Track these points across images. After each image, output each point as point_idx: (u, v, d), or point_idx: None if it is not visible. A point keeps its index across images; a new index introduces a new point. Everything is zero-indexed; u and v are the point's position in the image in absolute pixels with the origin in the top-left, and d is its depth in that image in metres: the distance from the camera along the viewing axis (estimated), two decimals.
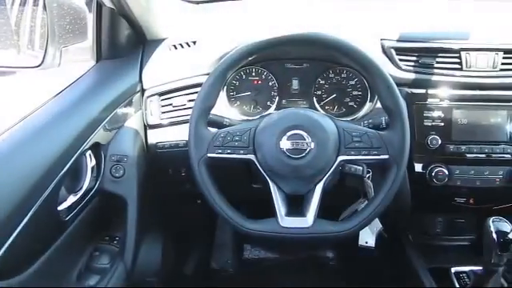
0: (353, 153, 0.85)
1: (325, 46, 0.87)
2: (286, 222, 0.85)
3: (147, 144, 1.08)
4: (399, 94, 0.85)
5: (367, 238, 1.11)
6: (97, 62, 1.07)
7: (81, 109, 0.91)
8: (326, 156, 0.85)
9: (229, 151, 0.86)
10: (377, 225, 1.08)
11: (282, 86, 1.13)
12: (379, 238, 1.13)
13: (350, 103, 1.13)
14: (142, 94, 1.08)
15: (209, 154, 0.86)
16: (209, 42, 1.12)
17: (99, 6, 1.02)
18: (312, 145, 0.84)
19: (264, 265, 1.63)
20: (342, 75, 1.13)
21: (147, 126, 1.08)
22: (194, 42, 1.14)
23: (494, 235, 0.92)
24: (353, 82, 1.12)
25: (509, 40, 1.03)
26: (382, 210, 0.85)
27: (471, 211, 1.09)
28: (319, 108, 1.13)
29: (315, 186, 0.86)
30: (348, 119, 1.10)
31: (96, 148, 0.95)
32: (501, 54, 1.02)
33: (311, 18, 1.15)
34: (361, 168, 0.94)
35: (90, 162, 0.94)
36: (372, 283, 1.33)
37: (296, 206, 0.89)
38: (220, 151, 0.86)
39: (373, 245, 1.11)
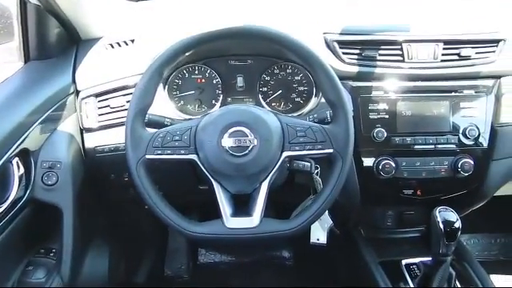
0: (297, 148, 0.83)
1: (265, 38, 0.84)
2: (232, 223, 0.82)
3: (84, 148, 1.02)
4: (342, 88, 0.84)
5: (318, 234, 1.09)
6: (25, 62, 1.00)
7: (5, 113, 0.84)
8: (269, 153, 0.82)
9: (169, 152, 0.82)
10: (327, 221, 1.06)
11: (226, 83, 1.10)
12: (331, 234, 1.11)
13: (297, 99, 1.11)
14: (77, 96, 1.01)
15: (147, 156, 0.81)
16: (148, 40, 1.07)
17: (23, 3, 0.95)
18: (255, 141, 0.81)
19: (220, 268, 1.59)
20: (288, 71, 1.11)
21: (83, 130, 1.02)
22: (132, 41, 1.09)
23: (441, 225, 0.92)
24: (298, 78, 1.10)
25: (448, 31, 1.04)
26: (329, 205, 0.83)
27: (420, 203, 1.09)
28: (265, 105, 1.10)
29: (261, 184, 0.83)
30: (295, 115, 1.08)
31: (24, 154, 0.88)
32: (441, 44, 1.03)
33: (253, 14, 1.12)
34: (309, 164, 0.92)
35: (18, 169, 0.87)
36: (327, 280, 1.32)
37: (243, 205, 0.86)
38: (159, 152, 0.82)
39: (324, 241, 1.10)
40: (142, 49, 1.05)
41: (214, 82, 1.10)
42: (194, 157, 0.82)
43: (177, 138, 0.82)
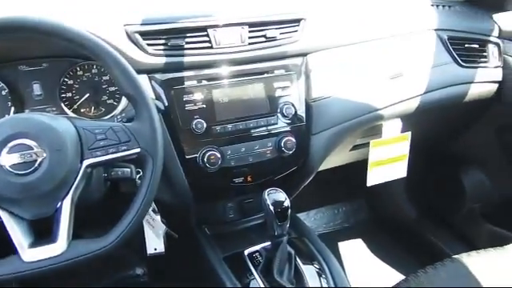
0: (99, 153, 0.73)
1: (34, 31, 0.72)
2: (31, 255, 0.69)
3: None
4: (139, 80, 0.76)
5: (155, 244, 1.00)
6: None
7: None
8: (65, 164, 0.70)
9: None
10: (160, 227, 0.98)
11: (19, 93, 0.94)
12: (169, 239, 1.03)
13: (109, 101, 1.00)
14: None
15: None
16: None
17: None
18: (43, 154, 0.69)
19: None
20: (93, 71, 0.99)
21: None
22: None
23: (271, 207, 0.91)
24: (107, 78, 0.99)
25: (252, 13, 1.03)
26: (146, 210, 0.75)
27: (255, 189, 1.08)
28: (70, 112, 0.97)
29: (62, 202, 0.71)
30: (107, 118, 0.98)
31: None
32: (246, 27, 1.01)
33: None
34: (128, 170, 0.84)
35: None
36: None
37: (48, 231, 0.73)
38: None
39: (162, 249, 1.01)
40: None
41: (3, 93, 0.93)
42: None
43: None
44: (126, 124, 0.75)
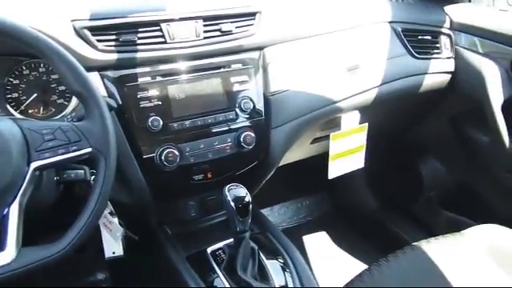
0: (47, 155, 0.69)
1: None
2: None
3: None
4: (88, 77, 0.73)
5: (113, 247, 0.97)
6: None
7: None
8: (10, 168, 0.66)
9: None
10: (118, 230, 0.95)
11: None
12: (128, 242, 1.00)
13: (59, 100, 0.96)
14: None
15: None
16: None
17: None
18: None
19: None
20: (41, 69, 0.94)
21: None
22: None
23: (232, 203, 0.90)
24: (56, 76, 0.95)
25: (207, 7, 1.01)
26: (101, 212, 0.72)
27: (217, 185, 1.06)
28: (17, 114, 0.92)
29: (8, 208, 0.67)
30: (57, 118, 0.93)
31: None
32: (201, 21, 0.99)
33: None
34: (82, 171, 0.80)
35: None
36: None
37: None
38: None
39: (121, 253, 0.98)
40: None
41: None
42: None
43: None
44: (75, 123, 0.72)
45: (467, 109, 1.42)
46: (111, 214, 0.96)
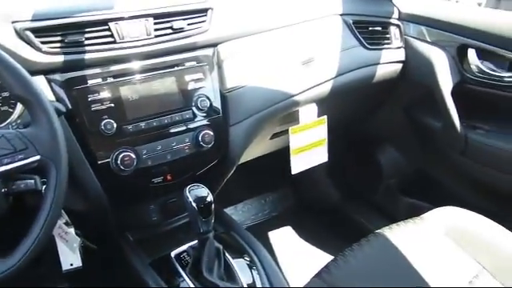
0: None
1: None
2: None
3: None
4: (32, 81, 0.69)
5: (70, 259, 0.92)
6: None
7: None
8: None
9: None
10: (75, 240, 0.91)
11: None
12: (87, 252, 0.96)
13: (3, 107, 0.90)
14: None
15: None
16: None
17: None
18: None
19: None
20: None
21: None
22: None
23: (194, 204, 0.88)
24: None
25: (156, 4, 0.98)
26: (53, 225, 0.69)
27: (177, 187, 1.03)
28: None
29: None
30: (2, 126, 0.88)
31: None
32: (151, 19, 0.96)
33: None
34: (32, 181, 0.75)
35: None
36: None
37: None
38: None
39: (79, 264, 0.94)
40: None
41: None
42: None
43: None
44: (21, 130, 0.68)
45: (419, 96, 1.46)
46: (66, 224, 0.91)
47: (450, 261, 1.00)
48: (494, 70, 1.30)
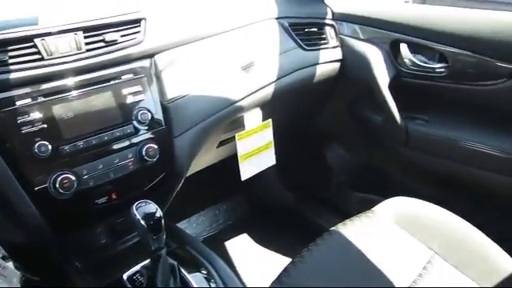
0: None
1: None
2: None
3: None
4: None
5: None
6: None
7: None
8: None
9: None
10: (14, 274, 0.84)
11: None
12: (28, 286, 0.89)
13: None
14: None
15: None
16: None
17: None
18: None
19: None
20: None
21: None
22: None
23: (142, 221, 0.84)
24: None
25: (85, 17, 0.94)
26: None
27: (126, 206, 0.99)
28: None
29: None
30: None
31: None
32: (80, 33, 0.91)
33: None
34: None
35: None
36: None
37: None
38: None
39: None
40: None
41: None
42: None
43: None
44: None
45: (359, 92, 1.51)
46: (4, 258, 0.84)
47: (404, 249, 1.03)
48: (426, 63, 1.36)
